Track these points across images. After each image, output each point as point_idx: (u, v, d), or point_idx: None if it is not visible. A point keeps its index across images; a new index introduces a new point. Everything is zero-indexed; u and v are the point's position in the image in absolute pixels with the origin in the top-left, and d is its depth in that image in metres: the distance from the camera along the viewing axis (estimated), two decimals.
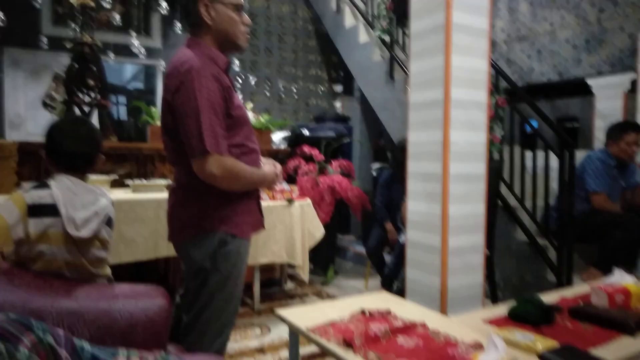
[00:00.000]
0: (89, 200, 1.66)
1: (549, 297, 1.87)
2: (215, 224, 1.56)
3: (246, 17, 1.65)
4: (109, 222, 1.73)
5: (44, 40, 4.15)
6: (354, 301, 1.81)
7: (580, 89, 4.42)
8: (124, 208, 2.68)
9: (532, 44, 4.83)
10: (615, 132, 3.30)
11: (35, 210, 1.55)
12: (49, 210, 1.56)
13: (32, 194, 1.57)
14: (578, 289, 2.07)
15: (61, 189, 1.61)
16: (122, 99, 6.59)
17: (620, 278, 1.85)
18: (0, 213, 1.52)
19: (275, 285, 3.92)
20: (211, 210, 1.57)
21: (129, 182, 3.09)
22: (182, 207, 1.61)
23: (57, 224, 1.57)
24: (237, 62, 5.10)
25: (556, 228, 3.24)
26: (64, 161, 1.68)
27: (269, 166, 1.72)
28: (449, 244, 2.21)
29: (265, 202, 3.15)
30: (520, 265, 3.42)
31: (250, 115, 3.91)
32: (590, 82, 4.27)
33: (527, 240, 3.34)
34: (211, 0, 1.55)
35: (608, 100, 4.09)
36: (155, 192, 2.96)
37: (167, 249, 2.78)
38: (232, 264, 1.60)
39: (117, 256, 2.58)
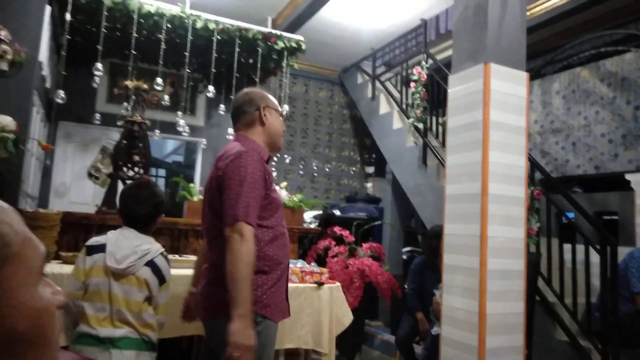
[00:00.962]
0: (134, 244, 1.92)
1: None
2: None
3: (284, 125, 1.94)
4: (151, 265, 1.92)
5: (97, 116, 4.45)
6: None
7: (618, 184, 4.35)
8: None
9: (566, 136, 4.86)
10: None
11: (91, 250, 1.92)
12: (100, 248, 1.90)
13: (91, 240, 1.97)
14: None
15: (114, 234, 1.95)
16: (162, 172, 6.88)
17: None
18: (75, 263, 1.96)
19: None
20: None
21: None
22: (216, 286, 1.65)
23: (102, 258, 1.87)
24: None
25: (599, 329, 3.05)
26: (125, 218, 2.00)
27: (243, 334, 1.50)
28: (486, 344, 2.10)
29: (294, 284, 3.11)
30: None
31: (284, 194, 3.98)
32: (629, 177, 4.20)
33: (568, 340, 3.14)
34: (268, 106, 1.83)
35: None
36: (187, 268, 2.97)
37: (194, 327, 2.73)
38: (262, 345, 1.62)
39: None
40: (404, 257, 5.39)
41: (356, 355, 4.08)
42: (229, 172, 1.62)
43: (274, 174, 6.54)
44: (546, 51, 5.57)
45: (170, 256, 3.12)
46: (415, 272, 3.71)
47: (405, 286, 3.79)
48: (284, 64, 4.83)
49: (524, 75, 2.41)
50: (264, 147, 1.79)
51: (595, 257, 3.07)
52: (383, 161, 5.85)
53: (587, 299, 3.19)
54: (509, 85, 2.34)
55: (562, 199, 3.49)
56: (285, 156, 6.68)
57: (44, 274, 0.51)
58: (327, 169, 7.00)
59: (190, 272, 2.89)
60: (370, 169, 7.18)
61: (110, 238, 1.92)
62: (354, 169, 7.22)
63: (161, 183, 6.84)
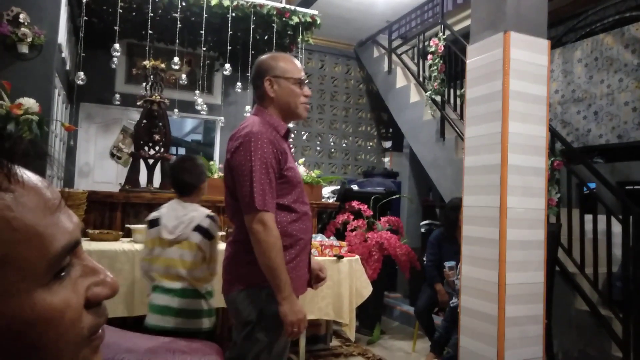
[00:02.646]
0: (182, 213, 2.23)
1: None
2: (264, 280, 1.60)
3: (307, 90, 1.77)
4: (200, 230, 2.22)
5: (117, 97, 4.51)
6: None
7: None
8: None
9: (588, 105, 4.75)
10: None
11: (150, 224, 2.28)
12: (156, 222, 2.25)
13: (150, 215, 2.30)
14: None
15: (166, 208, 2.27)
16: (181, 150, 6.99)
17: None
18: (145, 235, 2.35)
19: (321, 342, 3.85)
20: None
21: None
22: (235, 261, 1.71)
23: (158, 231, 2.22)
24: None
25: (621, 299, 3.05)
26: (175, 188, 2.34)
27: (293, 311, 1.58)
28: (506, 313, 2.13)
29: (314, 258, 3.17)
30: (582, 336, 3.22)
31: (302, 169, 4.02)
32: None
33: (589, 310, 3.15)
34: (275, 76, 1.72)
35: None
36: None
37: (216, 301, 2.82)
38: (279, 322, 1.61)
39: None
40: (422, 230, 5.41)
41: (376, 326, 4.16)
42: (239, 159, 1.60)
43: (292, 149, 6.56)
44: (568, 18, 5.40)
45: None
46: (433, 244, 3.73)
47: (424, 258, 3.83)
48: (299, 40, 4.80)
49: (545, 43, 2.37)
50: (279, 120, 1.73)
51: (617, 227, 3.04)
52: (400, 135, 5.82)
53: (608, 269, 3.18)
54: (530, 53, 2.30)
55: (583, 169, 3.45)
56: (302, 133, 6.68)
57: (63, 271, 0.45)
58: (344, 145, 7.00)
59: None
60: (388, 144, 7.15)
61: (163, 212, 2.24)
62: (371, 143, 7.20)
63: None
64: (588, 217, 3.37)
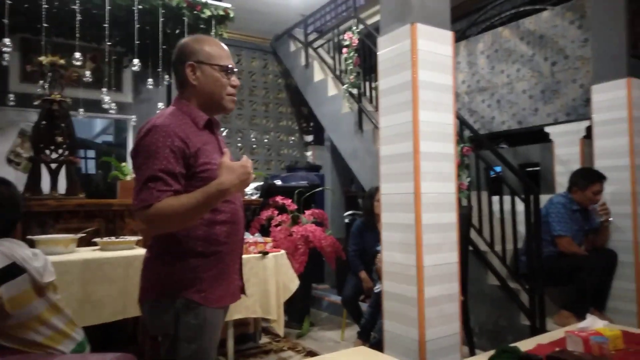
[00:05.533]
0: (30, 251, 1.68)
1: (526, 345, 1.89)
2: (178, 289, 1.47)
3: (235, 80, 1.61)
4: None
5: (11, 97, 4.11)
6: (333, 358, 1.78)
7: (539, 137, 4.65)
8: (92, 267, 2.58)
9: (491, 94, 5.10)
10: (582, 181, 3.44)
11: (4, 275, 1.52)
12: (14, 269, 1.55)
13: None
14: (553, 334, 2.09)
15: (10, 249, 1.60)
16: (91, 153, 6.58)
17: (592, 322, 1.90)
18: None
19: (250, 341, 3.79)
20: (176, 274, 1.48)
21: (97, 239, 3.00)
22: (149, 266, 1.55)
23: (26, 279, 1.58)
24: None
25: (526, 272, 3.31)
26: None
27: (227, 171, 1.39)
28: (425, 294, 2.22)
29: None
30: (494, 309, 3.45)
31: None
32: (548, 129, 4.50)
33: (499, 284, 3.39)
34: (198, 62, 1.54)
35: (566, 146, 4.31)
36: (124, 250, 2.88)
37: (136, 309, 2.67)
38: (199, 334, 1.49)
39: (83, 319, 2.45)
40: (346, 220, 5.52)
41: (305, 319, 4.18)
42: (136, 159, 1.44)
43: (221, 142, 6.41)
44: (470, 12, 5.75)
45: (105, 239, 3.02)
46: (355, 233, 3.82)
47: (349, 248, 3.90)
48: (212, 34, 4.65)
49: (449, 35, 2.48)
50: (197, 111, 1.55)
51: (520, 206, 3.29)
52: (321, 129, 5.88)
53: (514, 245, 3.44)
54: (436, 44, 2.40)
55: (489, 154, 3.69)
56: (222, 129, 6.53)
57: None
58: (265, 140, 6.94)
59: (127, 253, 2.82)
60: (309, 138, 7.20)
61: (14, 256, 1.60)
62: (293, 138, 7.20)
63: (91, 165, 6.54)
64: (495, 199, 3.62)
